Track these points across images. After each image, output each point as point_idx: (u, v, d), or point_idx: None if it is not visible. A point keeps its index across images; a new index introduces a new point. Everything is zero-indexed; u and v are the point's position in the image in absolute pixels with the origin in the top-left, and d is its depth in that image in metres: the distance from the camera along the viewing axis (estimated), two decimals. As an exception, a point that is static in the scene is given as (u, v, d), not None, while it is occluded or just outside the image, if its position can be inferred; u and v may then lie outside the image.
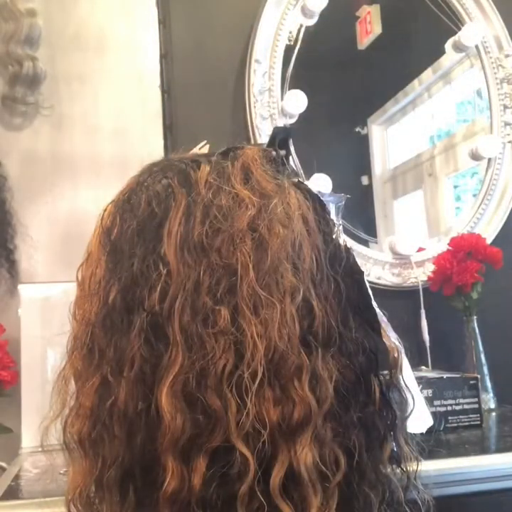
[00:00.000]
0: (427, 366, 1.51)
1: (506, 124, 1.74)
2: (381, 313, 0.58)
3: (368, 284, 0.56)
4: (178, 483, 0.47)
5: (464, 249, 1.51)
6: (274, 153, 0.59)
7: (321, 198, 0.57)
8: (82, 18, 1.50)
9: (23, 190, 1.43)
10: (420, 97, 1.86)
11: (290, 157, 0.60)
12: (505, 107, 1.74)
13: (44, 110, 1.46)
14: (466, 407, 1.22)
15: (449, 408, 1.21)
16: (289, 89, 1.58)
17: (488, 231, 1.69)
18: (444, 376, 1.24)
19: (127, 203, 0.54)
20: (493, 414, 1.44)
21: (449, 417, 1.21)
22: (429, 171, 1.87)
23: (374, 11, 1.73)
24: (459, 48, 1.74)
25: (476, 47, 1.73)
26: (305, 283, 0.51)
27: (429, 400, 1.18)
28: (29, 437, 1.21)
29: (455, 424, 1.21)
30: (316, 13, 1.61)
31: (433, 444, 1.17)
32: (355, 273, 0.55)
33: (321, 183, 1.54)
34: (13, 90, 1.43)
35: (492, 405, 1.47)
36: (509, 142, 1.74)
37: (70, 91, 1.47)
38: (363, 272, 0.56)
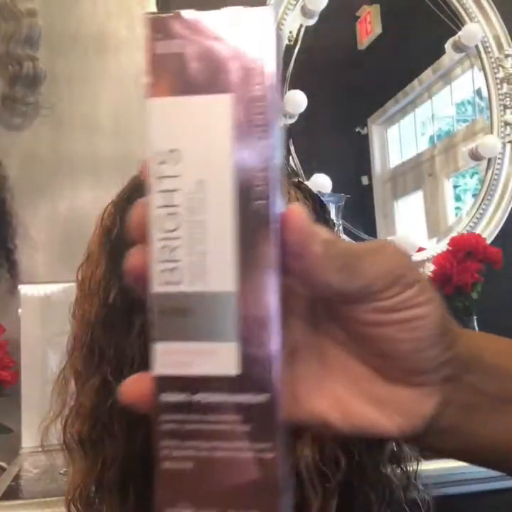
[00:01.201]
0: (427, 366, 1.51)
1: (506, 124, 1.74)
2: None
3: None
4: (178, 483, 0.47)
5: (464, 249, 1.51)
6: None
7: (321, 198, 0.57)
8: (82, 18, 1.50)
9: (23, 190, 1.43)
10: (420, 97, 1.86)
11: (290, 157, 0.60)
12: (505, 107, 1.74)
13: (44, 110, 1.46)
14: (466, 407, 1.22)
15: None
16: (289, 89, 1.58)
17: (488, 231, 1.69)
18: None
19: (127, 203, 0.54)
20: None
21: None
22: (429, 171, 1.87)
23: (374, 11, 1.73)
24: (459, 47, 1.74)
25: (476, 47, 1.73)
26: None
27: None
28: (29, 437, 1.21)
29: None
30: (316, 13, 1.61)
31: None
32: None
33: (321, 183, 1.54)
34: (13, 90, 1.43)
35: (492, 405, 1.47)
36: (509, 142, 1.74)
37: (70, 91, 1.47)
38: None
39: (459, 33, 1.71)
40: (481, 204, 1.71)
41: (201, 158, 0.25)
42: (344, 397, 0.28)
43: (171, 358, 0.25)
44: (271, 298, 0.25)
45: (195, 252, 0.25)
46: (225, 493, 0.25)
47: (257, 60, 0.25)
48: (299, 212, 0.25)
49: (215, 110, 0.25)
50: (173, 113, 0.25)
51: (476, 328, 1.50)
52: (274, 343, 0.25)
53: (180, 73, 0.25)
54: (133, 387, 0.26)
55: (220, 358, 0.25)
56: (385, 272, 0.26)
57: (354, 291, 0.26)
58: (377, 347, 0.28)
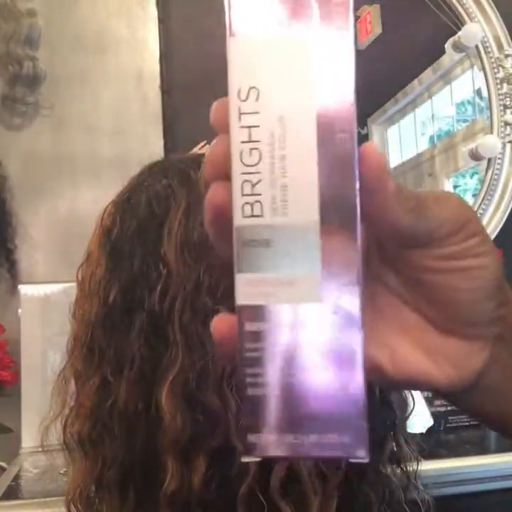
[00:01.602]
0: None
1: (506, 124, 1.74)
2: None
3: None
4: (178, 483, 0.47)
5: (464, 249, 1.51)
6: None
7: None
8: (82, 18, 1.50)
9: (23, 190, 1.43)
10: (420, 97, 1.86)
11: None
12: (505, 107, 1.74)
13: (44, 110, 1.46)
14: (466, 407, 1.22)
15: (450, 408, 1.21)
16: (289, 89, 1.58)
17: (488, 231, 1.69)
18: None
19: (127, 203, 0.54)
20: (493, 414, 1.44)
21: (449, 417, 1.21)
22: (429, 171, 1.87)
23: (374, 11, 1.73)
24: (459, 47, 1.74)
25: (476, 47, 1.73)
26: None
27: (430, 400, 1.18)
28: (29, 437, 1.21)
29: (455, 424, 1.21)
30: (316, 13, 1.61)
31: (433, 444, 1.17)
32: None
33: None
34: (13, 90, 1.43)
35: (492, 405, 1.47)
36: (509, 142, 1.74)
37: (70, 91, 1.47)
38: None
39: (459, 33, 1.71)
40: (481, 204, 1.71)
41: (282, 94, 0.25)
42: (396, 344, 0.28)
43: (253, 288, 0.25)
44: (352, 229, 0.25)
45: (277, 185, 0.25)
46: (307, 418, 0.25)
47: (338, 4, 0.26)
48: (375, 149, 0.26)
49: (296, 47, 0.25)
50: (253, 51, 0.26)
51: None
52: (355, 274, 0.25)
53: (261, 13, 0.26)
54: (223, 322, 0.26)
55: (302, 288, 0.25)
56: (452, 217, 0.27)
57: (422, 234, 0.26)
58: (435, 295, 0.28)
